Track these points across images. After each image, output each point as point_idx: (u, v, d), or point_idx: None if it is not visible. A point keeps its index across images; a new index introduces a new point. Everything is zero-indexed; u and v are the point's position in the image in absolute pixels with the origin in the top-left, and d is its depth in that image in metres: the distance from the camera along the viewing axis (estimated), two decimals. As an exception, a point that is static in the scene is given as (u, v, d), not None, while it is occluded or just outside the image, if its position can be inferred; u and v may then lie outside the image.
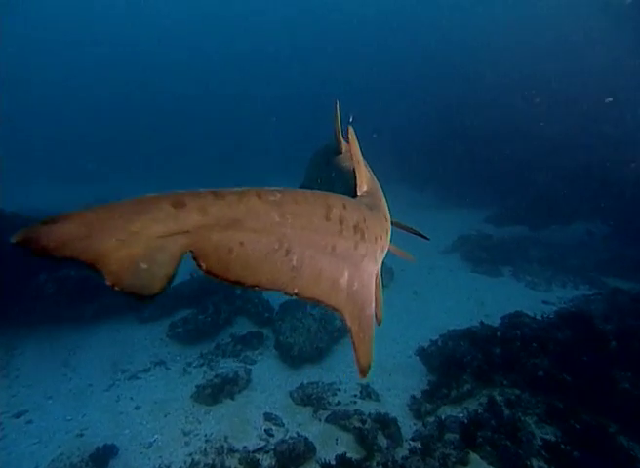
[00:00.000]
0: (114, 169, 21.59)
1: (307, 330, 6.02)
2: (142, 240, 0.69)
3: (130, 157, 23.36)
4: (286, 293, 0.92)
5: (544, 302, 6.79)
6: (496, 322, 6.41)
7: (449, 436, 3.74)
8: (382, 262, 1.40)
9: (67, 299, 5.68)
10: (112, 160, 22.67)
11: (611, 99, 8.79)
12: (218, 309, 6.63)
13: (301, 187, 2.28)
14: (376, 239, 1.24)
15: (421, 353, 5.16)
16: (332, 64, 31.50)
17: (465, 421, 3.84)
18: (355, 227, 1.12)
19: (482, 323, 4.84)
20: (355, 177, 1.38)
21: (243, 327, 6.61)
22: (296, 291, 0.94)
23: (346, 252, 1.09)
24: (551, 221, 9.83)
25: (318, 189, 1.42)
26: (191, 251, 0.75)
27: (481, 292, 7.77)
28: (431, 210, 15.25)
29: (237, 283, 0.82)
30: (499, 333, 4.10)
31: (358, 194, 1.36)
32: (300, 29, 37.75)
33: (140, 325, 6.38)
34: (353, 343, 1.13)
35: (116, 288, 0.68)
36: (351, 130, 1.51)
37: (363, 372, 1.14)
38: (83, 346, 5.72)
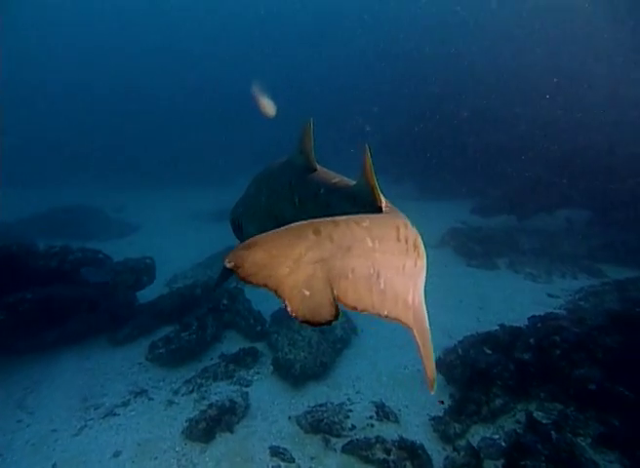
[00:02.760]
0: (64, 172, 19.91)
1: (308, 342, 5.42)
2: (302, 266, 0.78)
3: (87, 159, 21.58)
4: (378, 316, 0.97)
5: (550, 295, 6.54)
6: (504, 319, 6.07)
7: (489, 464, 3.29)
8: None
9: (23, 327, 4.76)
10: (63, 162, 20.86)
11: None
12: (203, 324, 5.90)
13: (256, 203, 2.23)
14: (424, 253, 1.29)
15: (438, 362, 4.70)
16: (314, 54, 30.72)
17: (504, 444, 3.40)
18: (414, 245, 1.18)
19: (503, 325, 4.43)
20: (372, 192, 1.33)
21: (233, 343, 5.93)
22: (385, 313, 0.99)
23: (411, 270, 1.16)
24: (537, 209, 9.73)
25: (295, 210, 1.66)
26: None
27: (481, 287, 7.46)
28: (412, 202, 14.96)
29: (352, 309, 0.88)
30: (532, 340, 3.69)
31: (384, 208, 1.30)
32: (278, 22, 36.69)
33: (114, 348, 5.52)
34: (423, 358, 1.15)
35: (294, 316, 0.79)
36: (367, 149, 1.42)
37: (432, 386, 1.14)
38: (43, 381, 4.80)
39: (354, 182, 1.52)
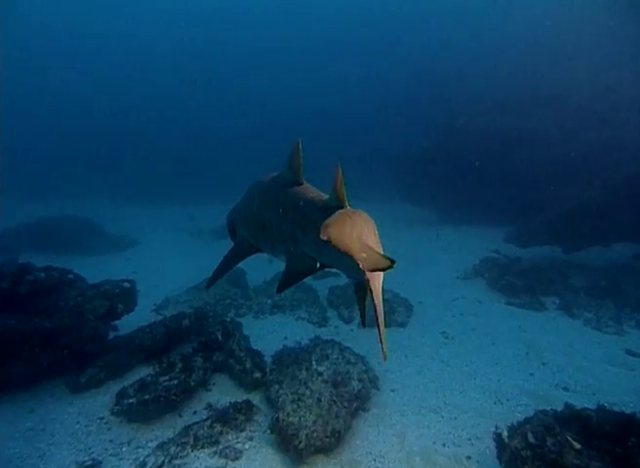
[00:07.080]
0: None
1: (317, 400, 4.19)
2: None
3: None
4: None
5: (630, 353, 5.17)
6: (571, 381, 4.79)
7: None
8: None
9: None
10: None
11: None
12: (189, 365, 4.75)
13: (249, 210, 2.62)
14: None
15: (498, 445, 3.43)
16: (326, 74, 30.61)
17: None
18: (354, 216, 1.71)
19: (603, 407, 3.15)
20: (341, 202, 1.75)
21: (224, 392, 4.76)
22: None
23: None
24: (589, 242, 8.42)
25: (279, 218, 2.15)
26: None
27: (528, 332, 6.15)
28: (435, 227, 13.79)
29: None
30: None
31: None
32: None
33: (71, 397, 4.34)
34: (375, 314, 1.39)
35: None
36: (338, 170, 1.69)
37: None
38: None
39: (327, 196, 1.87)
